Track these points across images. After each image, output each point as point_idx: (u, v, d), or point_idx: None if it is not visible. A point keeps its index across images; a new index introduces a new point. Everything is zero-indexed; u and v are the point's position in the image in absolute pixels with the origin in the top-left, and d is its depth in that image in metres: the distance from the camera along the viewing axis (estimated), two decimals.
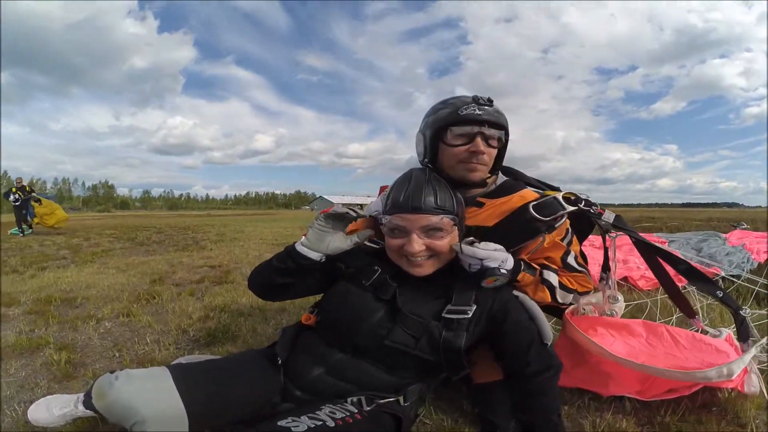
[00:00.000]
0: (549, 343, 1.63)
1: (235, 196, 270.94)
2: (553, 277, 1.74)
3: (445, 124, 1.74)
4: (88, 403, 1.70)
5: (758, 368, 1.95)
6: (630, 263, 4.67)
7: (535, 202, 1.78)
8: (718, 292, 1.95)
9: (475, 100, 1.72)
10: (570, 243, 1.84)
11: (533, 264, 1.75)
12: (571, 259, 1.80)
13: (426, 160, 1.87)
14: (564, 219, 1.79)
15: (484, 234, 1.72)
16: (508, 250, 1.65)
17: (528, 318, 1.62)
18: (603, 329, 2.07)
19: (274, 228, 15.84)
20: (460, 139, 1.73)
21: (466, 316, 1.55)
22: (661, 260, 2.05)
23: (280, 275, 1.68)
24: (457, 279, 1.63)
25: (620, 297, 2.24)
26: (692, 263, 2.01)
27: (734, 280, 3.75)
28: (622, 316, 2.31)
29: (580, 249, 1.96)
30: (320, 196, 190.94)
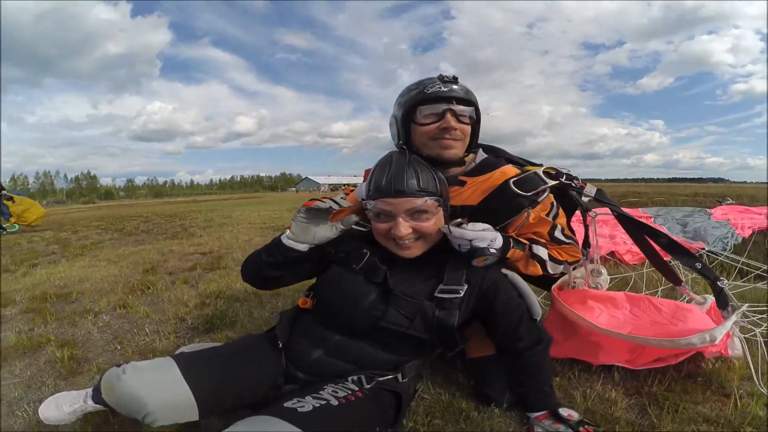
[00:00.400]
0: (538, 318, 1.71)
1: (219, 180, 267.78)
2: (542, 251, 1.79)
3: (414, 104, 1.78)
4: (97, 397, 1.74)
5: (741, 334, 2.03)
6: (617, 238, 4.77)
7: (515, 178, 1.83)
8: (696, 264, 2.02)
9: (440, 78, 1.77)
10: (556, 216, 1.89)
11: (522, 240, 1.79)
12: (558, 233, 1.86)
13: (400, 142, 1.90)
14: (546, 193, 1.84)
15: (470, 214, 1.75)
16: (495, 227, 1.70)
17: (517, 295, 1.70)
18: (590, 302, 2.17)
19: (261, 211, 15.76)
20: (429, 118, 1.77)
21: (458, 296, 1.61)
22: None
23: (270, 268, 1.74)
24: (447, 258, 1.68)
25: (603, 270, 2.32)
26: (671, 236, 2.13)
27: (717, 255, 3.83)
28: (608, 289, 2.41)
29: (568, 223, 2.01)
30: (306, 177, 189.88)
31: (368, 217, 1.70)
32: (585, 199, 2.01)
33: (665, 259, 2.32)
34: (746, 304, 2.18)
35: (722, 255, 3.92)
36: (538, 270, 1.78)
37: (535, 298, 1.75)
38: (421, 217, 1.59)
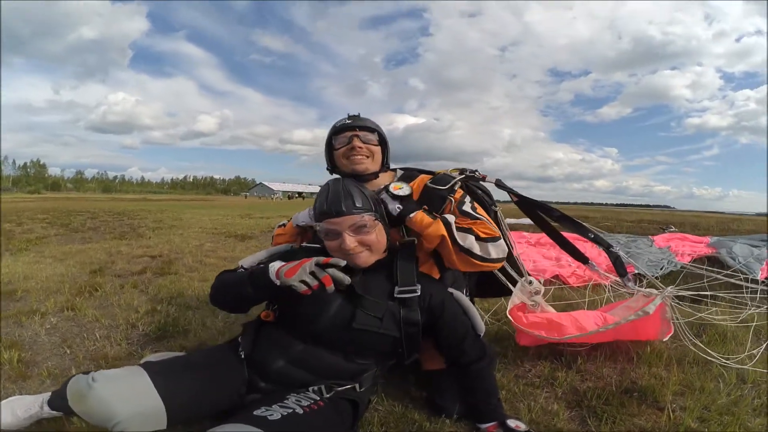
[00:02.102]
0: (482, 335, 1.89)
1: (171, 179, 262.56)
2: (450, 218, 1.96)
3: (331, 135, 2.20)
4: (54, 404, 1.73)
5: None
6: (562, 261, 4.97)
7: (430, 180, 2.12)
8: (589, 234, 2.41)
9: (348, 116, 2.21)
10: (465, 201, 2.10)
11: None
12: (466, 207, 2.05)
13: (328, 167, 2.27)
14: (458, 185, 2.16)
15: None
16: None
17: (462, 312, 1.88)
18: (555, 321, 2.44)
19: (213, 215, 15.60)
20: (341, 142, 2.16)
21: (416, 294, 1.76)
22: (542, 214, 2.54)
23: (255, 300, 1.82)
24: (395, 259, 1.87)
25: (534, 280, 2.52)
26: (563, 212, 2.50)
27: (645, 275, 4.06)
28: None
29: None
30: (260, 183, 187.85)
31: (320, 237, 1.85)
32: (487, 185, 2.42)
33: (571, 242, 2.65)
34: (671, 287, 2.49)
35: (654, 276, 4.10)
36: (441, 229, 1.91)
37: (478, 315, 1.93)
38: (362, 231, 1.76)
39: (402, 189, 2.01)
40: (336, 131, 2.16)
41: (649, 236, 8.38)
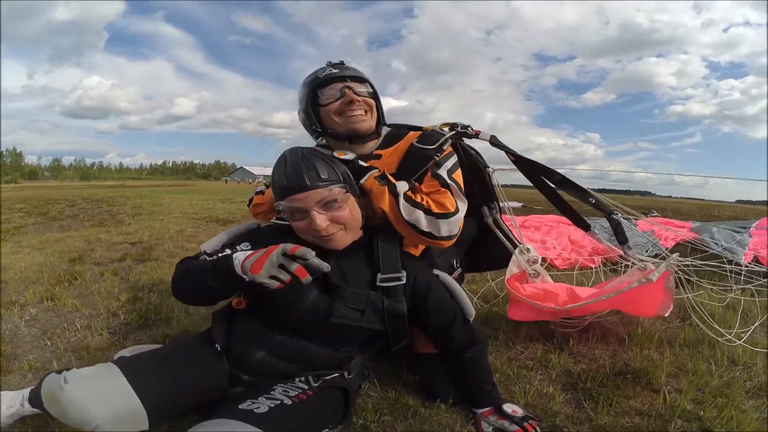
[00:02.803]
0: (471, 319, 1.80)
1: (150, 165, 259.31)
2: (401, 187, 1.76)
3: (313, 89, 1.90)
4: (33, 401, 1.64)
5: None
6: (548, 243, 4.97)
7: (417, 138, 1.95)
8: (590, 199, 2.32)
9: (329, 64, 1.95)
10: (447, 162, 1.91)
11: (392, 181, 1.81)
12: (442, 171, 1.84)
13: (315, 127, 1.98)
14: (448, 143, 1.96)
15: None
16: (411, 179, 1.83)
17: (449, 296, 1.77)
18: (551, 289, 2.42)
19: (193, 200, 15.35)
20: (332, 97, 1.88)
21: (400, 283, 1.64)
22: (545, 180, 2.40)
23: (221, 293, 1.64)
24: (377, 244, 1.71)
25: (530, 247, 2.49)
26: (564, 175, 2.34)
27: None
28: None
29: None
30: (241, 167, 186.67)
31: (285, 218, 1.69)
32: (480, 142, 2.26)
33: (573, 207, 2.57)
34: (676, 254, 2.46)
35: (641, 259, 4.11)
36: (385, 203, 1.74)
37: (467, 299, 1.83)
38: (333, 207, 1.58)
39: (346, 155, 1.80)
40: (321, 83, 1.88)
41: (632, 220, 8.42)
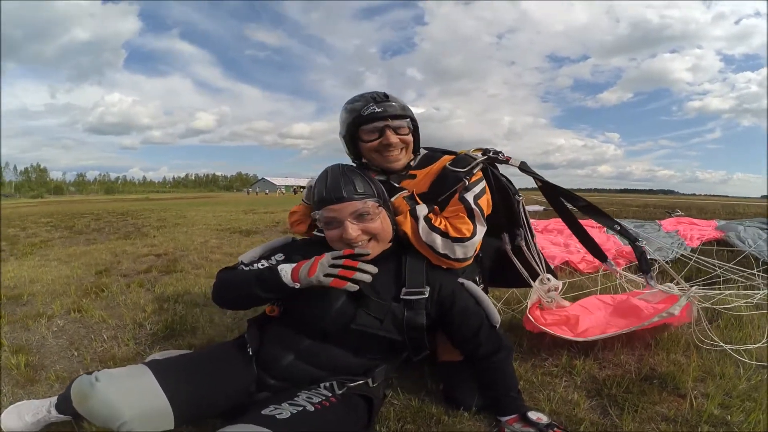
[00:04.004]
0: (497, 326, 1.81)
1: (173, 178, 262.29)
2: (421, 211, 1.87)
3: (355, 126, 1.96)
4: (62, 407, 1.69)
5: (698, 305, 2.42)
6: (571, 247, 4.91)
7: (450, 161, 2.00)
8: (615, 225, 2.29)
9: (373, 99, 1.94)
10: (475, 188, 1.96)
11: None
12: (468, 195, 1.91)
13: (353, 157, 2.10)
14: (479, 167, 2.01)
15: (422, 198, 1.95)
16: (439, 199, 1.93)
17: (475, 303, 1.80)
18: (570, 313, 2.44)
19: (216, 212, 15.50)
20: (371, 135, 1.96)
21: (423, 297, 1.68)
22: (564, 201, 2.40)
23: (263, 300, 1.74)
24: (406, 258, 1.79)
25: (551, 277, 2.45)
26: (589, 201, 2.33)
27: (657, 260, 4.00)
28: (563, 297, 2.61)
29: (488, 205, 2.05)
30: (262, 178, 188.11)
31: (320, 227, 1.79)
32: (511, 167, 2.23)
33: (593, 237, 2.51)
34: (695, 287, 2.45)
35: (665, 260, 4.06)
36: (407, 225, 1.84)
37: (492, 305, 1.84)
38: (366, 218, 1.69)
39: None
40: (363, 120, 1.93)
41: (656, 221, 8.30)
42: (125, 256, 5.74)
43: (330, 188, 1.70)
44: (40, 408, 1.73)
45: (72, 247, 6.73)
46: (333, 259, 1.58)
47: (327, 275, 1.55)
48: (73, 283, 4.09)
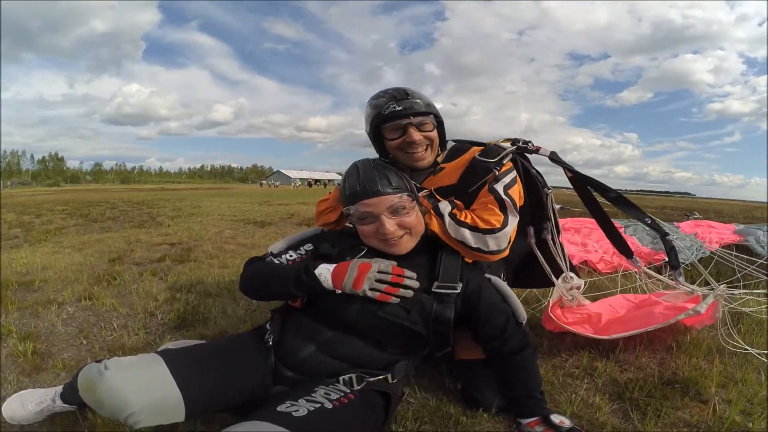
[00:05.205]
0: (524, 323, 1.76)
1: (189, 169, 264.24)
2: (444, 208, 1.86)
3: (377, 124, 1.94)
4: (68, 396, 1.65)
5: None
6: (588, 246, 4.82)
7: (479, 152, 2.00)
8: (647, 219, 2.27)
9: (393, 97, 1.90)
10: (505, 178, 1.94)
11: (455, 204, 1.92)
12: (498, 186, 1.89)
13: (379, 154, 2.09)
14: (508, 157, 2.00)
15: (452, 190, 1.96)
16: (469, 191, 1.93)
17: (501, 299, 1.75)
18: (593, 311, 2.41)
19: (231, 203, 15.56)
20: (394, 133, 1.93)
21: (455, 291, 1.65)
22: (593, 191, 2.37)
23: (292, 296, 1.73)
24: (440, 254, 1.76)
25: (574, 276, 2.42)
26: (620, 193, 2.31)
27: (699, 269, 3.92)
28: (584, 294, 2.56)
29: (519, 196, 2.03)
30: (277, 171, 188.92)
31: (351, 222, 1.79)
32: (540, 156, 2.21)
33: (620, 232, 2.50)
34: (724, 285, 2.41)
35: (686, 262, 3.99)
36: (435, 224, 1.83)
37: (519, 302, 1.79)
38: (402, 213, 1.66)
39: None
40: (384, 119, 1.91)
41: (674, 222, 8.19)
42: (139, 244, 5.75)
43: (364, 182, 1.68)
44: (44, 397, 1.70)
45: (86, 234, 6.77)
46: (379, 273, 1.58)
47: (373, 289, 1.56)
48: (85, 271, 4.10)
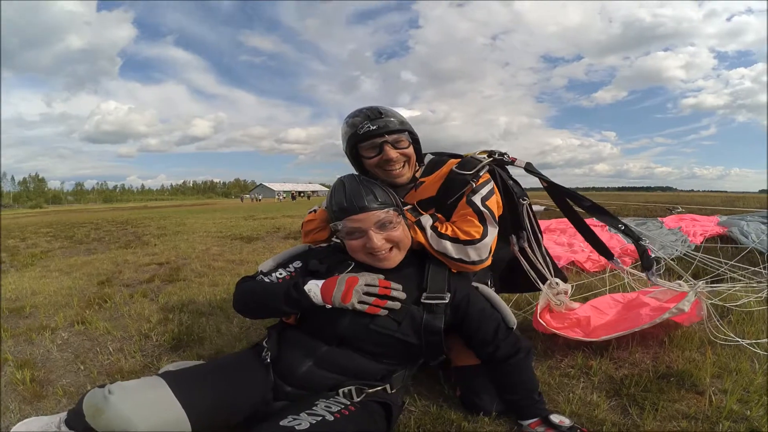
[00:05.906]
0: (514, 328, 1.81)
1: (171, 185, 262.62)
2: (426, 221, 1.91)
3: (354, 144, 1.99)
4: (73, 422, 1.63)
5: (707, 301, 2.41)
6: (575, 246, 4.89)
7: (456, 165, 2.04)
8: (620, 225, 2.32)
9: (366, 116, 1.95)
10: (482, 189, 1.99)
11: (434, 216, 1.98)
12: (476, 197, 1.94)
13: (359, 172, 2.09)
14: (485, 169, 2.04)
15: (432, 203, 2.02)
16: (447, 203, 1.96)
17: (490, 306, 1.81)
18: (579, 315, 2.45)
19: (216, 219, 15.49)
20: (371, 152, 1.98)
21: (443, 301, 1.70)
22: (569, 201, 2.42)
23: (285, 313, 1.76)
24: (428, 266, 1.80)
25: (559, 281, 2.45)
26: (594, 202, 2.37)
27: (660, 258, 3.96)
28: (572, 297, 2.64)
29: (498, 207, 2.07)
30: (260, 184, 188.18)
31: (339, 237, 1.82)
32: (516, 169, 2.31)
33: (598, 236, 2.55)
34: (702, 281, 2.46)
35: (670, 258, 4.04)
36: (419, 236, 1.87)
37: (507, 308, 1.85)
38: (388, 227, 1.72)
39: None
40: (360, 138, 1.95)
41: (658, 218, 8.28)
42: (127, 265, 5.71)
43: (351, 198, 1.72)
44: (49, 424, 1.69)
45: (73, 257, 6.71)
46: (366, 286, 1.64)
47: (361, 302, 1.61)
48: (75, 295, 4.06)
